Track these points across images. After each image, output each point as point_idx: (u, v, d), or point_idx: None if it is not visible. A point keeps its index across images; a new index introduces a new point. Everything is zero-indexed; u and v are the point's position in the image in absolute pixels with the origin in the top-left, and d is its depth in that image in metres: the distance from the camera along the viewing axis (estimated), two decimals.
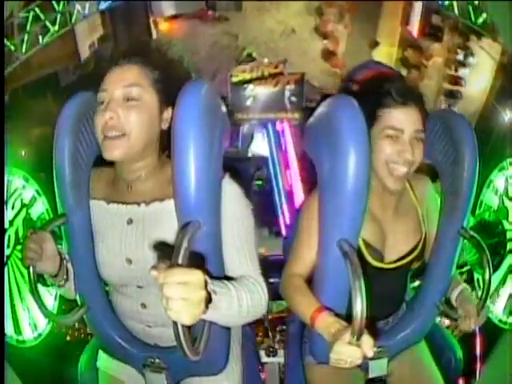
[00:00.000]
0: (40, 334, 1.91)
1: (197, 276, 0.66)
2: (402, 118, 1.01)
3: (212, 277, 0.76)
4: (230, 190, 0.91)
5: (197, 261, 0.74)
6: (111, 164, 1.01)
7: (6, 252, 1.80)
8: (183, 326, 0.66)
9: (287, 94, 2.88)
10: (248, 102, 2.82)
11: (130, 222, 0.95)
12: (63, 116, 0.96)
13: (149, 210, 0.94)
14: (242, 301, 0.83)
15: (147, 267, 0.89)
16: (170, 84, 0.91)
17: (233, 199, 0.92)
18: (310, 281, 1.13)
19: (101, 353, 1.15)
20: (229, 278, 0.86)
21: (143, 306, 1.00)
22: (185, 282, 0.64)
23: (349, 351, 0.84)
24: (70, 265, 1.00)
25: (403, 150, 1.01)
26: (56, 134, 0.95)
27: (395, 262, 1.13)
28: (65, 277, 0.99)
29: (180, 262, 0.67)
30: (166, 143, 0.93)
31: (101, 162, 1.04)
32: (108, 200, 0.98)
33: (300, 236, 1.13)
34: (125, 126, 0.90)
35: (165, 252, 0.86)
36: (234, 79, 2.81)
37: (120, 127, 0.89)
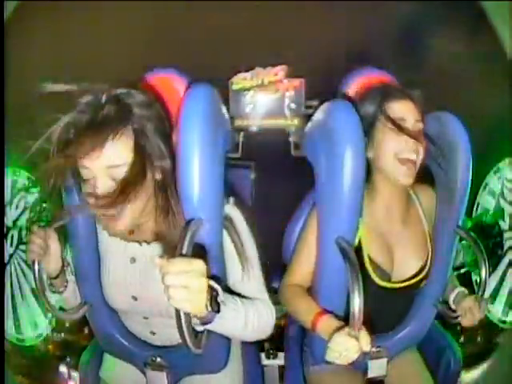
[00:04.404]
0: (41, 334, 1.91)
1: (198, 264, 0.68)
2: (401, 109, 1.06)
3: (224, 290, 0.78)
4: (235, 217, 0.93)
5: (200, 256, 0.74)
6: None
7: (9, 251, 1.81)
8: (186, 315, 0.67)
9: (286, 100, 2.87)
10: (248, 109, 2.80)
11: (133, 261, 0.96)
12: None
13: (151, 249, 0.93)
14: (249, 318, 0.84)
15: (152, 303, 0.92)
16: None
17: (237, 226, 0.93)
18: (309, 289, 1.14)
19: (104, 363, 1.16)
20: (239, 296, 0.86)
21: (152, 333, 1.03)
22: (186, 271, 0.66)
23: (346, 342, 0.86)
24: (70, 276, 1.01)
25: (408, 139, 1.05)
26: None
27: (403, 281, 1.13)
28: (65, 284, 0.99)
29: (184, 252, 0.69)
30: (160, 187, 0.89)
31: None
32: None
33: (300, 248, 1.16)
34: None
35: None
36: (235, 87, 2.80)
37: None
